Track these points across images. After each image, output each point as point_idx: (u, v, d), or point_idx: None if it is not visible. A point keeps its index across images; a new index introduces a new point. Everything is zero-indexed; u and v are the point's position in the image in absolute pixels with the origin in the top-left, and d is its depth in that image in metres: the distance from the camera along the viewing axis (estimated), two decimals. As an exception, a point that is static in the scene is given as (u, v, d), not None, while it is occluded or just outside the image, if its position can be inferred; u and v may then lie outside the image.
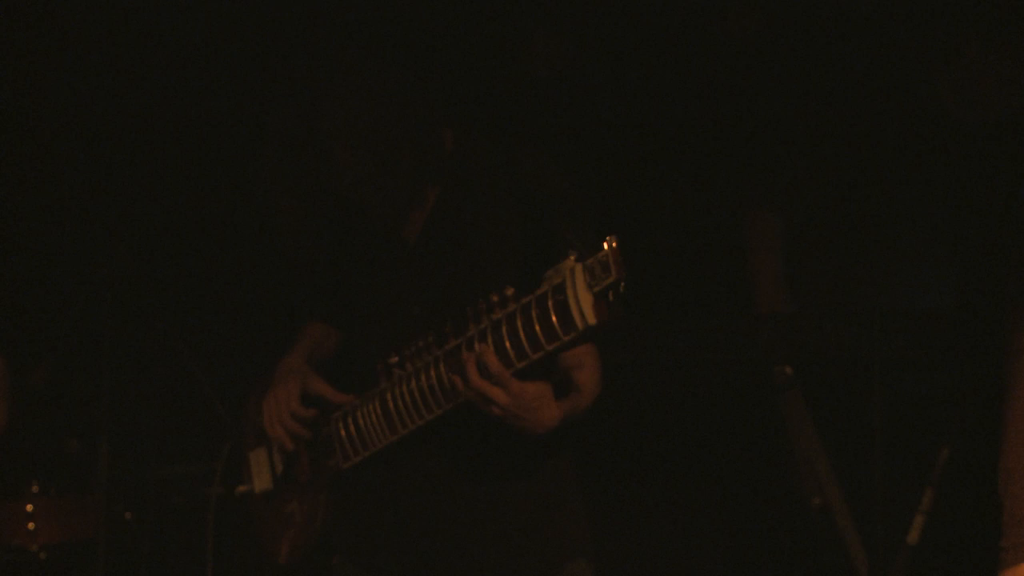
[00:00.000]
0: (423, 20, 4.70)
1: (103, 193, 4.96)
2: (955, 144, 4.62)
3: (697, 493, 4.92)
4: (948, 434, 4.46)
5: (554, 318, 2.90)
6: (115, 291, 4.50)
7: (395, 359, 3.20)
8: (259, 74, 4.66)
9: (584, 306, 2.85)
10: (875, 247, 4.79)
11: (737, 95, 4.94)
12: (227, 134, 5.00)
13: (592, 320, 2.85)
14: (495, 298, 3.01)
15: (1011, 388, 3.19)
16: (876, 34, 4.81)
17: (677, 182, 5.04)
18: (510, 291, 2.99)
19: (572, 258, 2.87)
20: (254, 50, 4.87)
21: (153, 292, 4.60)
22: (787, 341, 4.68)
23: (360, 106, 3.21)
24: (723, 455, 4.85)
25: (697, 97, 5.04)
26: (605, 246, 2.82)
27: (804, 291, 4.87)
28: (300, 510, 3.46)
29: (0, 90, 4.94)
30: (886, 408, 4.51)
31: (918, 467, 4.49)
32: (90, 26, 5.00)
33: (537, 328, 2.93)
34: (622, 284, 2.81)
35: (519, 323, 2.96)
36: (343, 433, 3.33)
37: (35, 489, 4.68)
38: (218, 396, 4.62)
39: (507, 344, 2.98)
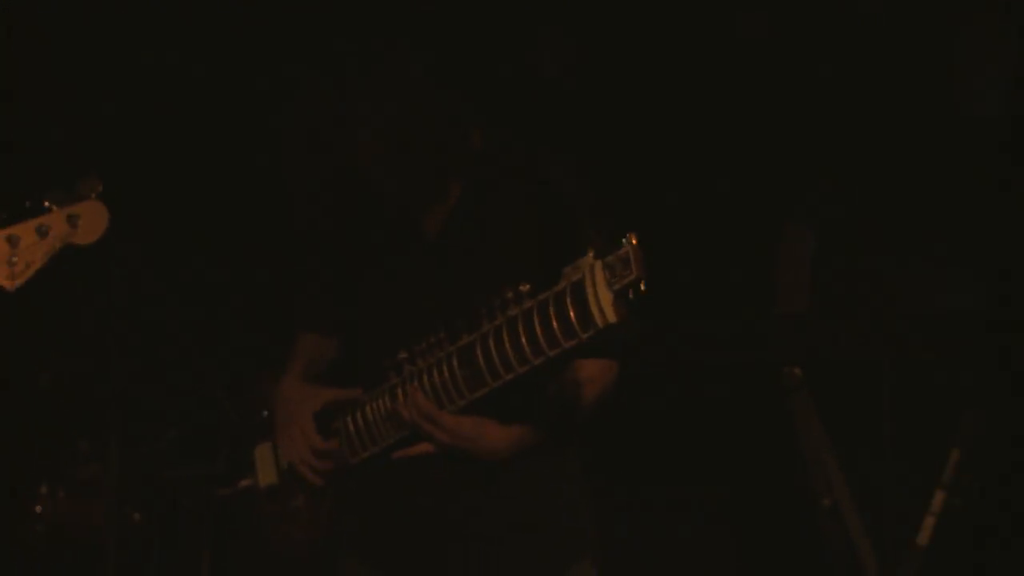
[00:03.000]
0: (437, 19, 4.69)
1: (112, 191, 4.94)
2: (968, 143, 4.62)
3: (706, 494, 4.91)
4: (958, 435, 4.46)
5: (573, 315, 2.89)
6: (125, 291, 4.49)
7: (404, 355, 3.20)
8: (280, 66, 4.65)
9: (604, 304, 2.83)
10: (886, 249, 4.79)
11: (749, 96, 4.95)
12: (243, 134, 4.99)
13: (612, 318, 2.84)
14: (510, 294, 3.01)
15: None
16: (885, 26, 4.82)
17: (688, 184, 5.04)
18: (525, 287, 2.99)
19: (591, 255, 2.86)
20: (275, 44, 4.85)
21: (163, 292, 4.59)
22: (797, 343, 4.68)
23: (387, 91, 3.21)
24: (733, 456, 4.84)
25: (707, 97, 5.04)
26: (624, 243, 2.81)
27: (816, 293, 4.88)
28: (306, 505, 3.44)
29: (5, 83, 4.92)
30: (896, 409, 4.51)
31: (928, 468, 4.49)
32: (105, 12, 4.99)
33: (555, 325, 2.92)
34: (642, 282, 2.80)
35: (536, 320, 2.95)
36: (351, 428, 3.31)
37: (44, 490, 4.67)
38: (228, 397, 4.60)
39: (523, 340, 2.97)
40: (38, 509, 4.65)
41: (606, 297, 2.84)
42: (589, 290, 2.85)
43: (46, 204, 3.15)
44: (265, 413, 3.50)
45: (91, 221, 3.18)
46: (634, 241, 2.81)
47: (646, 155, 5.00)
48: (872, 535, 4.58)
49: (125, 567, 4.55)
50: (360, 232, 3.41)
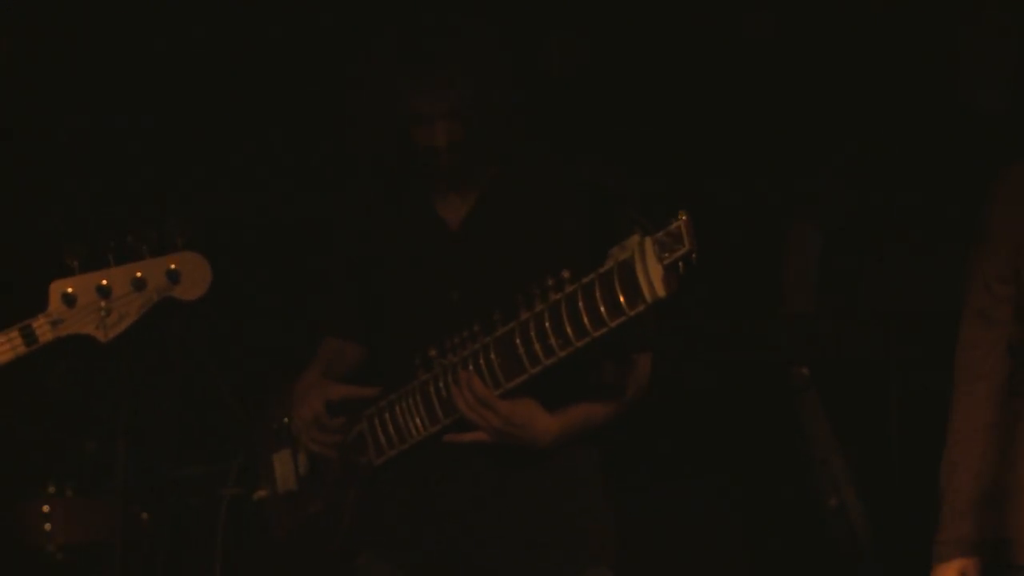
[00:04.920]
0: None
1: (120, 190, 4.94)
2: (976, 140, 4.62)
3: (711, 493, 4.91)
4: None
5: (620, 294, 2.89)
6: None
7: (433, 352, 3.18)
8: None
9: (654, 278, 2.84)
10: (892, 247, 4.79)
11: (753, 95, 4.95)
12: (255, 129, 4.97)
13: (661, 292, 2.84)
14: (550, 282, 3.00)
15: (958, 382, 3.22)
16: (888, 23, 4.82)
17: (691, 184, 5.04)
18: (566, 273, 2.99)
19: (637, 236, 2.86)
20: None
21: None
22: (804, 342, 4.69)
23: (472, 57, 3.20)
24: (739, 455, 4.84)
25: (712, 97, 5.04)
26: (675, 220, 2.83)
27: (824, 293, 4.89)
28: (325, 510, 3.43)
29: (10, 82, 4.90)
30: (903, 408, 4.51)
31: (934, 468, 4.49)
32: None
33: (600, 306, 2.92)
34: (694, 255, 2.81)
35: (580, 302, 2.94)
36: (378, 429, 3.29)
37: (51, 490, 4.66)
38: (235, 397, 4.60)
39: (566, 324, 2.96)
40: (45, 509, 4.63)
41: (656, 271, 2.84)
42: (638, 266, 2.86)
43: (133, 245, 3.00)
44: (286, 420, 3.48)
45: (193, 276, 3.04)
46: (684, 217, 2.83)
47: (649, 155, 5.00)
48: (878, 535, 4.58)
49: (133, 567, 4.55)
50: (383, 226, 3.40)
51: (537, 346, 3.03)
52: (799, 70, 4.97)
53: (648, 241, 2.86)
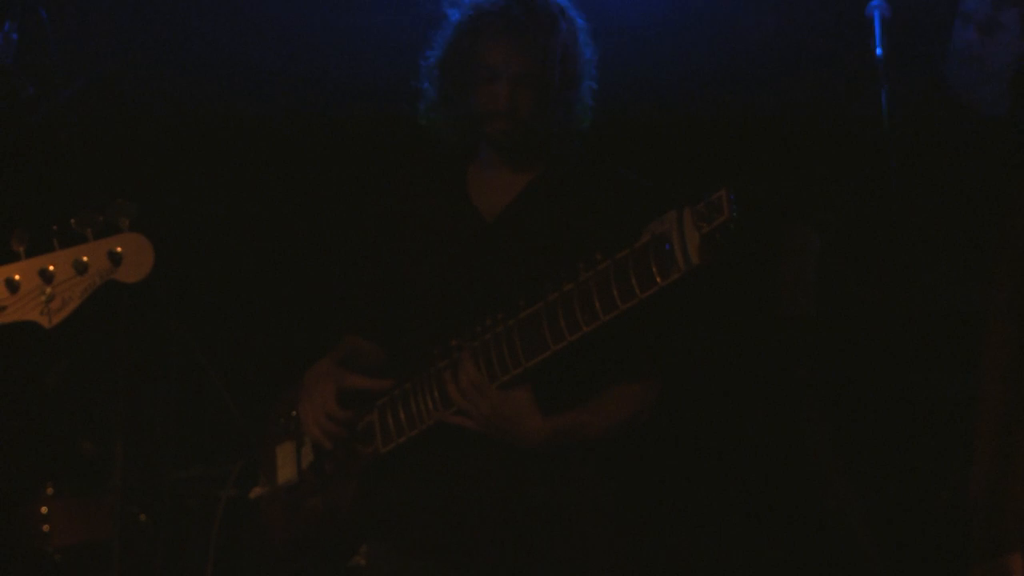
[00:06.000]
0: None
1: (119, 191, 4.92)
2: (976, 140, 4.62)
3: (710, 496, 4.91)
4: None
5: (653, 264, 2.83)
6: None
7: (455, 342, 3.14)
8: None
9: (690, 246, 2.79)
10: (896, 248, 4.79)
11: (753, 96, 4.95)
12: (259, 129, 4.96)
13: (696, 260, 2.79)
14: (581, 264, 2.95)
15: (989, 380, 3.18)
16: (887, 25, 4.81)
17: (691, 184, 5.03)
18: (599, 255, 2.94)
19: (675, 211, 2.82)
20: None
21: (168, 293, 4.58)
22: (804, 342, 4.69)
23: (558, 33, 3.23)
24: (737, 458, 4.84)
25: (711, 97, 5.04)
26: (715, 192, 2.78)
27: (825, 294, 4.88)
28: (321, 504, 3.38)
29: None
30: (903, 411, 4.51)
31: (935, 468, 4.49)
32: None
33: (632, 278, 2.86)
34: (732, 224, 2.76)
35: (612, 277, 2.89)
36: (389, 417, 3.26)
37: (50, 491, 4.65)
38: (233, 398, 4.60)
39: (595, 300, 2.91)
40: (44, 510, 4.63)
41: (693, 239, 2.79)
42: (675, 236, 2.80)
43: (78, 228, 2.95)
44: (294, 413, 3.46)
45: (135, 259, 3.00)
46: (725, 188, 2.78)
47: (648, 156, 5.00)
48: (877, 537, 4.58)
49: (131, 567, 4.55)
50: (413, 216, 3.37)
51: (562, 322, 2.96)
52: (799, 70, 4.97)
53: (687, 212, 2.81)
